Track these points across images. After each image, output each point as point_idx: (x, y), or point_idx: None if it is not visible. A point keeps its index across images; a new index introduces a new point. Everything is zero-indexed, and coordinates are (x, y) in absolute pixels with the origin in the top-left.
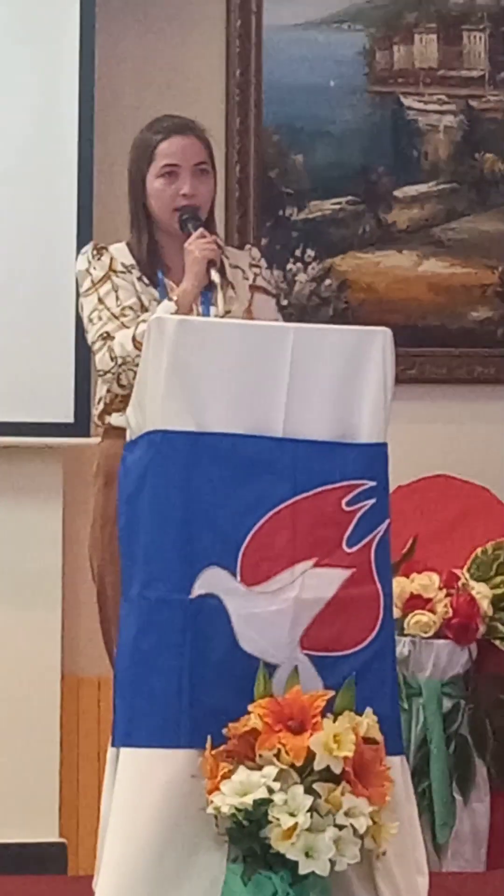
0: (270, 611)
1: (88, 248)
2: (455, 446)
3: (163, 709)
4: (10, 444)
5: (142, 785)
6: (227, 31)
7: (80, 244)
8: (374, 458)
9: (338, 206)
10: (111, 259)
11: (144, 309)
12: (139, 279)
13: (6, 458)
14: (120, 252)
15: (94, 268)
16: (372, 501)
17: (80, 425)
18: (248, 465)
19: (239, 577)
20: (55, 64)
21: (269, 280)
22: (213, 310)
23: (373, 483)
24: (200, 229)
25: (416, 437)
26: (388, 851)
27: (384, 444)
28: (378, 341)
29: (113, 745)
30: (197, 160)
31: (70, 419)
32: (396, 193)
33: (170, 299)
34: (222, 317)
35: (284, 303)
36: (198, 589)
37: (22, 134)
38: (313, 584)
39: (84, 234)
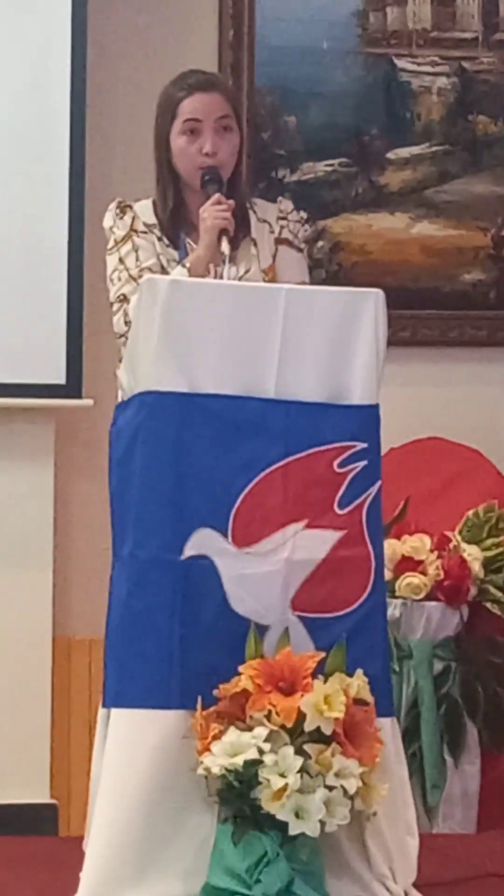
0: (262, 572)
1: (114, 205)
2: (447, 408)
3: (153, 669)
4: (1, 405)
5: (132, 745)
6: None
7: (73, 204)
8: (366, 419)
9: (330, 168)
10: (134, 218)
11: (164, 270)
12: (160, 239)
13: None
14: (144, 210)
15: (118, 227)
16: (364, 463)
17: (71, 386)
18: (239, 426)
19: (230, 539)
20: (47, 27)
21: (297, 233)
22: (228, 272)
23: (364, 445)
24: (217, 195)
25: (408, 400)
26: (378, 813)
27: (376, 406)
28: (370, 303)
29: (104, 706)
30: (219, 115)
31: (62, 380)
32: (389, 155)
33: (183, 265)
34: (241, 277)
35: None
36: (189, 550)
37: (14, 96)
38: (305, 545)
39: (76, 194)
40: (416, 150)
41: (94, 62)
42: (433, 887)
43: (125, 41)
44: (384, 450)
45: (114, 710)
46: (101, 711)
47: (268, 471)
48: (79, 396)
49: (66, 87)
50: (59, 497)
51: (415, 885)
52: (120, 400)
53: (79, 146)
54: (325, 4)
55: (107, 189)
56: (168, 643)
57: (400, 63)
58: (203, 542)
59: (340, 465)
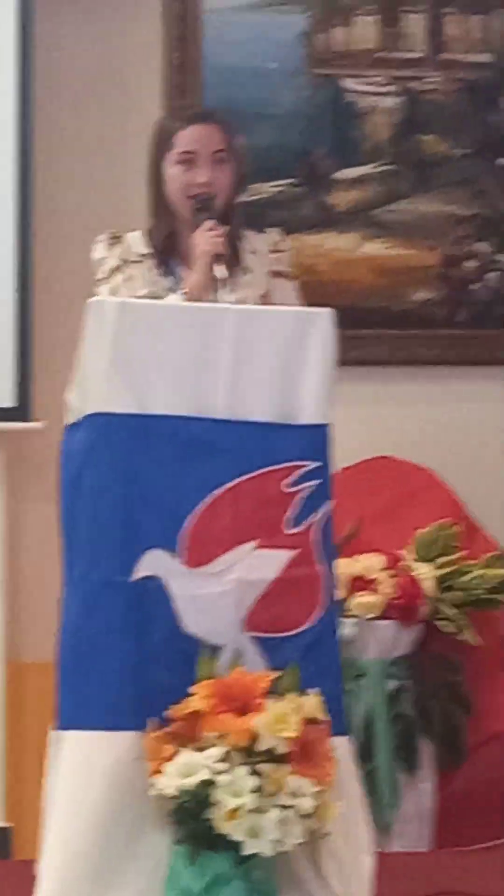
0: (213, 592)
1: (104, 236)
2: (398, 428)
3: (106, 691)
4: None
5: (85, 767)
6: (166, 13)
7: (21, 226)
8: (316, 438)
9: (279, 189)
10: (126, 248)
11: (157, 299)
12: (153, 268)
13: None
14: (136, 241)
15: (109, 257)
16: (315, 482)
17: (21, 409)
18: (190, 447)
19: (181, 559)
20: None
21: (289, 263)
22: (224, 297)
23: (316, 464)
24: (209, 221)
25: (359, 419)
26: (333, 832)
27: (327, 425)
28: (320, 322)
29: (56, 728)
30: (215, 148)
31: (11, 403)
32: (337, 175)
33: (178, 291)
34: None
35: None
36: (140, 571)
37: None
38: (256, 565)
39: (24, 216)
40: (363, 169)
41: (39, 87)
42: None
43: (71, 67)
44: (335, 469)
45: (66, 733)
46: (54, 734)
47: (218, 491)
48: (28, 419)
49: (11, 114)
50: (9, 520)
51: None
52: (69, 422)
53: (26, 173)
54: (271, 25)
55: (54, 212)
56: (120, 665)
57: (346, 83)
58: (154, 562)
59: (291, 485)
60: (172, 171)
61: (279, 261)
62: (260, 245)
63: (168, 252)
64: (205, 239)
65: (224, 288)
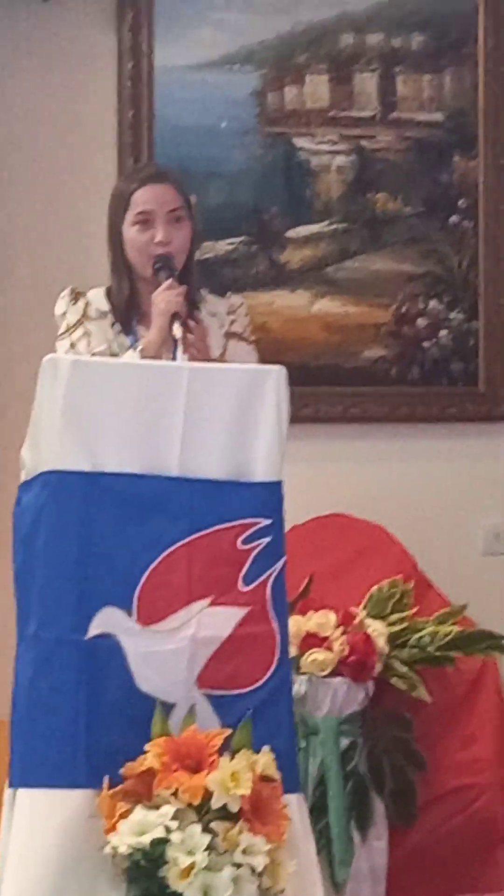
0: (167, 650)
1: (66, 292)
2: (350, 485)
3: (59, 749)
4: None
5: (39, 825)
6: (119, 72)
7: None
8: (269, 496)
9: (231, 247)
10: (86, 304)
11: (115, 356)
12: (112, 326)
13: None
14: (96, 298)
15: (70, 313)
16: (267, 539)
17: None
18: (143, 505)
19: (135, 617)
20: None
21: (246, 326)
22: (179, 358)
23: (268, 521)
24: (169, 280)
25: (311, 476)
26: (286, 890)
27: (279, 483)
28: (272, 379)
29: (9, 786)
30: (171, 207)
31: None
32: (289, 234)
33: (135, 349)
34: None
35: None
36: (94, 629)
37: None
38: (209, 622)
39: None
40: (315, 227)
41: None
42: None
43: (25, 125)
44: (288, 526)
45: (20, 791)
46: (7, 792)
47: (172, 548)
48: None
49: None
50: None
51: None
52: (23, 479)
53: None
54: (223, 84)
55: (8, 269)
56: (74, 723)
57: (298, 142)
58: (108, 620)
59: (244, 542)
60: (130, 232)
61: (236, 323)
62: (220, 308)
63: (128, 310)
64: (163, 298)
65: (180, 347)
